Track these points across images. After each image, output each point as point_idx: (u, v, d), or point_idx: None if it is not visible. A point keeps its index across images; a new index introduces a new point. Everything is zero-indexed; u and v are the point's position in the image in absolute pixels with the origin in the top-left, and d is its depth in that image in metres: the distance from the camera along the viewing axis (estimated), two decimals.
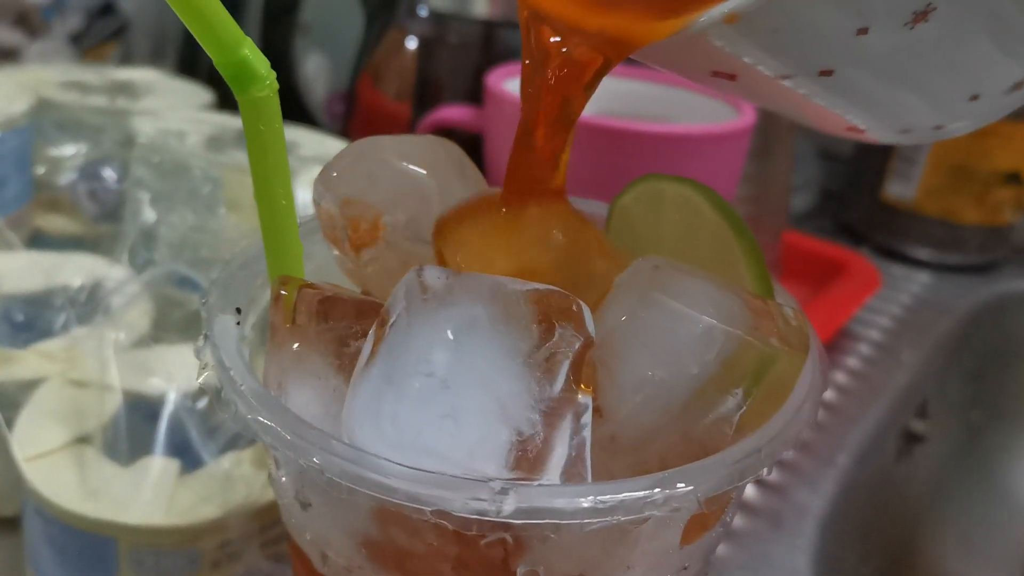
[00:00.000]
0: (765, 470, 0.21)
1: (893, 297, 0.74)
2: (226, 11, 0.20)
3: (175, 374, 0.39)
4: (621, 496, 0.19)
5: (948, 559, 0.72)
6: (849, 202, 0.86)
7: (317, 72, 0.80)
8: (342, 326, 0.24)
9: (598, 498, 0.19)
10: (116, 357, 0.39)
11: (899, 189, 0.79)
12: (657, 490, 0.20)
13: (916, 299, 0.75)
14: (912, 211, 0.79)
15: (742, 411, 0.22)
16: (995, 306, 0.77)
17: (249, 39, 0.21)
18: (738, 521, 0.48)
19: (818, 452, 0.54)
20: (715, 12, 0.20)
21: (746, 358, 0.22)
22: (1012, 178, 0.76)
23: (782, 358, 0.22)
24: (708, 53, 0.22)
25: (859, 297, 0.67)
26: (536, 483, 0.20)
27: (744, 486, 0.22)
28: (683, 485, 0.20)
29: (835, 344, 0.66)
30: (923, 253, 0.80)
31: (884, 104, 0.24)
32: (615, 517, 0.19)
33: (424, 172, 0.28)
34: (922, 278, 0.78)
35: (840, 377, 0.63)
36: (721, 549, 0.46)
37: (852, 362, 0.64)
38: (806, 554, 0.46)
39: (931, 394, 0.69)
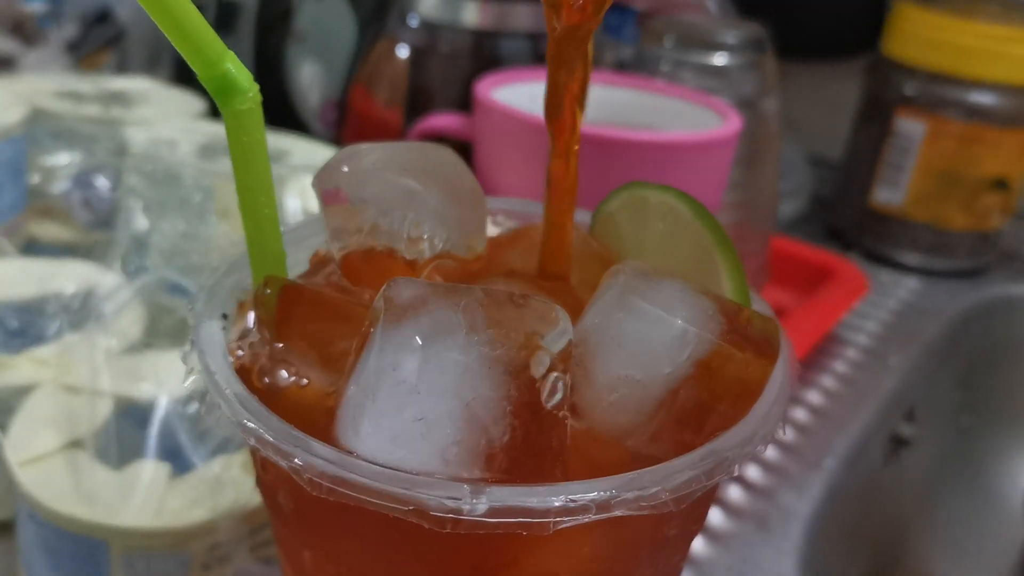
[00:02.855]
0: (735, 469, 0.22)
1: (881, 302, 0.75)
2: (209, 26, 0.21)
3: (166, 380, 0.40)
4: (592, 495, 0.20)
5: (936, 563, 0.73)
6: (838, 208, 0.86)
7: (311, 80, 0.80)
8: (324, 327, 0.24)
9: (569, 497, 0.20)
10: (108, 363, 0.40)
11: (887, 195, 0.80)
12: (628, 488, 0.20)
13: (904, 304, 0.75)
14: (900, 217, 0.80)
15: (711, 414, 0.23)
16: (983, 311, 0.78)
17: (232, 53, 0.21)
18: (724, 524, 0.48)
19: (805, 456, 0.55)
20: None
21: (717, 361, 0.23)
22: (999, 184, 0.77)
23: (751, 363, 0.23)
24: None
25: (847, 302, 0.67)
26: (510, 483, 0.21)
27: (715, 486, 0.23)
28: (653, 483, 0.20)
29: (823, 349, 0.66)
30: (911, 258, 0.81)
31: None
32: (587, 516, 0.20)
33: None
34: (910, 283, 0.79)
35: (828, 381, 0.63)
36: (707, 551, 0.46)
37: (840, 367, 0.65)
38: (792, 557, 0.47)
39: (919, 399, 0.70)
